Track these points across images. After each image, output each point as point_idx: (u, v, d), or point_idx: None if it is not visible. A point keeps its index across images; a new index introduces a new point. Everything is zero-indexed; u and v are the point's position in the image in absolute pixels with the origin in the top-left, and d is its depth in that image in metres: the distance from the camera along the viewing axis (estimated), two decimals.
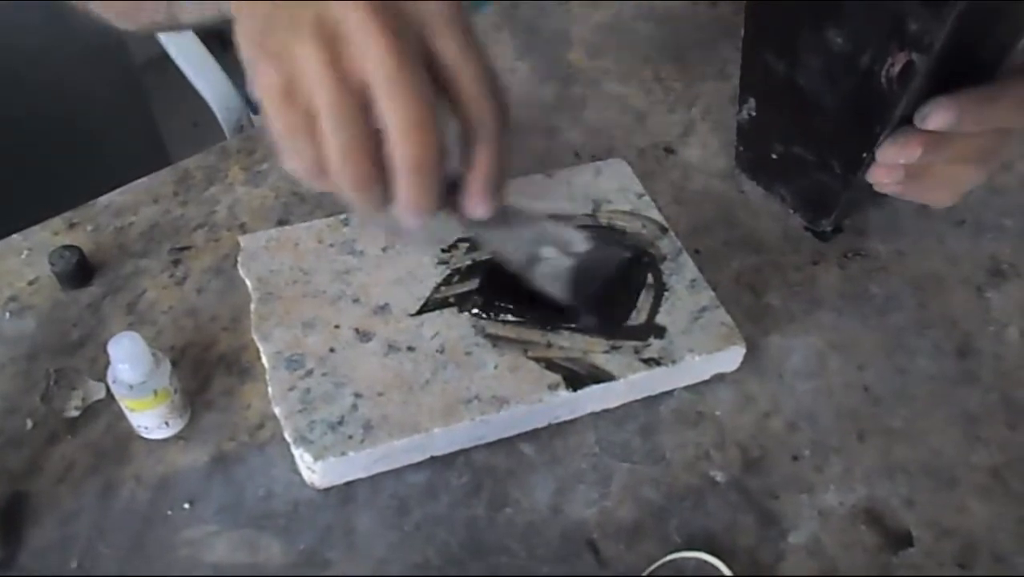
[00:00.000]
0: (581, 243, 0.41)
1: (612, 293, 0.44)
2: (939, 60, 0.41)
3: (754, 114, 0.55)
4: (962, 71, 0.43)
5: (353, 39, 0.32)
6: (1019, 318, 0.53)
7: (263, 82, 0.33)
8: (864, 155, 0.47)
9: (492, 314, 0.45)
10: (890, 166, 0.46)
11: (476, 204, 0.36)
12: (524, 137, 0.60)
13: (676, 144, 0.60)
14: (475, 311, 0.45)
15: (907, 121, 0.44)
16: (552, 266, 0.40)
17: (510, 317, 0.45)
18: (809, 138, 0.51)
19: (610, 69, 0.66)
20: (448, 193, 0.35)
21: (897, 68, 0.42)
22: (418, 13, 0.33)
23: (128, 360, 0.39)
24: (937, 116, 0.42)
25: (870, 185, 0.50)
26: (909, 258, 0.55)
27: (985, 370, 0.50)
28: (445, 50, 0.33)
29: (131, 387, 0.40)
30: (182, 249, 0.52)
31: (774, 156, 0.55)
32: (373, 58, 0.31)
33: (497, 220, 0.37)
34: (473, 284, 0.46)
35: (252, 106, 1.15)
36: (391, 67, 0.31)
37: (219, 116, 1.09)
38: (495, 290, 0.46)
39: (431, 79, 0.32)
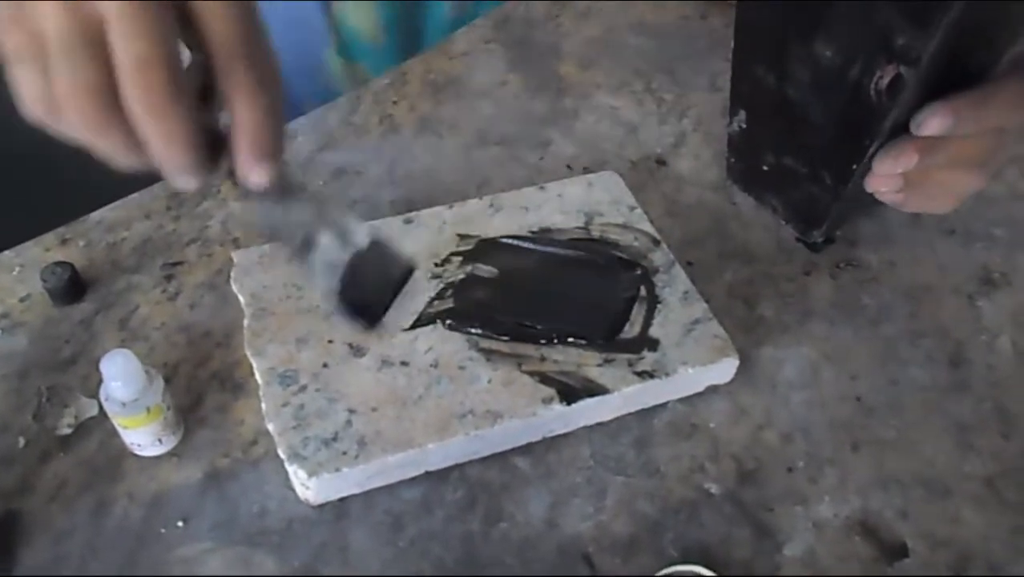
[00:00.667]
0: (362, 235, 0.38)
1: (381, 299, 0.40)
2: (928, 72, 0.42)
3: (744, 126, 0.56)
4: (953, 78, 0.43)
5: None
6: (1011, 327, 0.53)
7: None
8: (854, 167, 0.47)
9: (464, 328, 0.45)
10: (888, 175, 0.46)
11: (247, 168, 0.32)
12: (517, 150, 0.60)
13: (668, 156, 0.61)
14: (448, 322, 0.45)
15: (899, 131, 0.45)
16: (328, 255, 0.38)
17: (475, 330, 0.45)
18: (799, 150, 0.51)
19: (601, 82, 0.66)
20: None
21: (886, 81, 0.43)
22: None
23: (121, 377, 0.39)
24: (933, 121, 0.42)
25: (861, 196, 0.50)
26: (900, 268, 0.55)
27: (977, 380, 0.50)
28: None
29: (124, 405, 0.40)
30: (175, 264, 0.52)
31: (765, 168, 0.55)
32: None
33: (277, 194, 0.34)
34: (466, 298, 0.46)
35: None
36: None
37: None
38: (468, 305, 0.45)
39: (178, 24, 0.29)
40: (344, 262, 0.37)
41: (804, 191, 0.53)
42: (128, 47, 0.28)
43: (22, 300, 0.50)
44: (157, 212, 0.55)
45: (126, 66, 0.28)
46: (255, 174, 0.32)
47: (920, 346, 0.51)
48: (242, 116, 0.31)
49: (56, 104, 0.30)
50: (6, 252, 0.52)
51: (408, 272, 0.40)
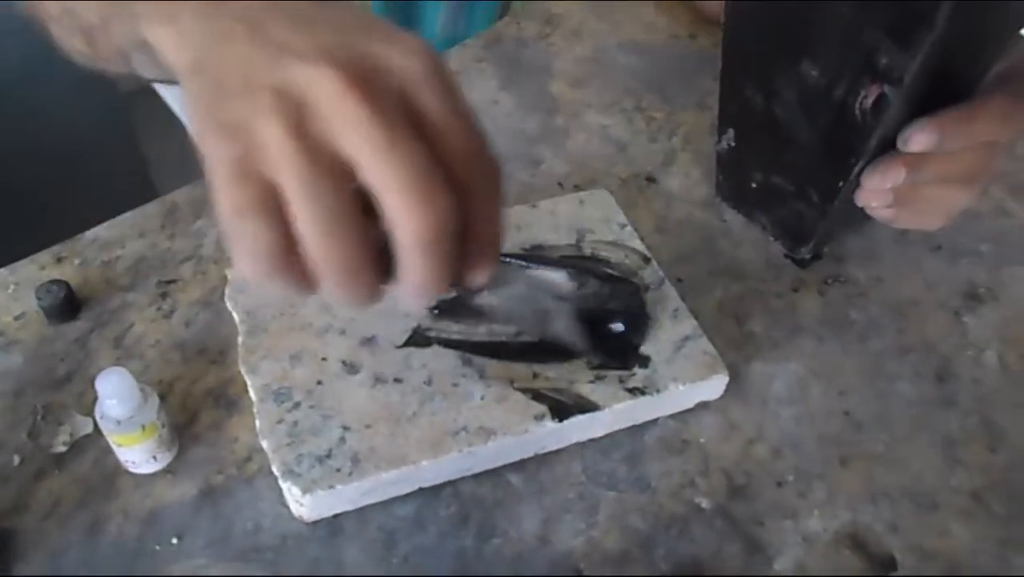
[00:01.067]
0: (565, 282, 0.41)
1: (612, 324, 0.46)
2: (911, 90, 0.43)
3: (733, 144, 0.56)
4: (938, 95, 0.44)
5: (324, 109, 0.28)
6: (996, 342, 0.54)
7: (213, 156, 0.29)
8: (840, 184, 0.48)
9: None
10: (877, 190, 0.46)
11: (480, 271, 0.33)
12: (509, 168, 0.60)
13: (658, 173, 0.61)
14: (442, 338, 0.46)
15: (887, 148, 0.45)
16: (563, 316, 0.42)
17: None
18: (787, 168, 0.52)
19: (592, 100, 0.67)
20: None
21: (870, 100, 0.44)
22: (397, 75, 0.29)
23: (116, 396, 0.39)
24: (919, 137, 0.43)
25: (848, 213, 0.51)
26: (887, 284, 0.56)
27: (964, 394, 0.51)
28: (430, 110, 0.30)
29: (119, 423, 0.40)
30: (169, 282, 0.52)
31: (754, 185, 0.56)
32: (354, 129, 0.28)
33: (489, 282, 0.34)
34: (459, 318, 0.47)
35: None
36: (379, 137, 0.28)
37: None
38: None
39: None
40: (575, 315, 0.42)
41: (792, 209, 0.54)
42: (397, 182, 0.28)
43: (17, 318, 0.50)
44: (152, 231, 0.55)
45: (400, 201, 0.28)
46: (484, 276, 0.33)
47: (907, 361, 0.52)
48: (484, 224, 0.32)
49: (292, 252, 0.29)
50: (0, 270, 0.53)
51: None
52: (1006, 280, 0.57)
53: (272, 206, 0.28)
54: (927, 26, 0.38)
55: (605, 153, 0.62)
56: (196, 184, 0.58)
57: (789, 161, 0.51)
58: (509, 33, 0.73)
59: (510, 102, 0.66)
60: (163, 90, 0.76)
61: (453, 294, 0.40)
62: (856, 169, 0.46)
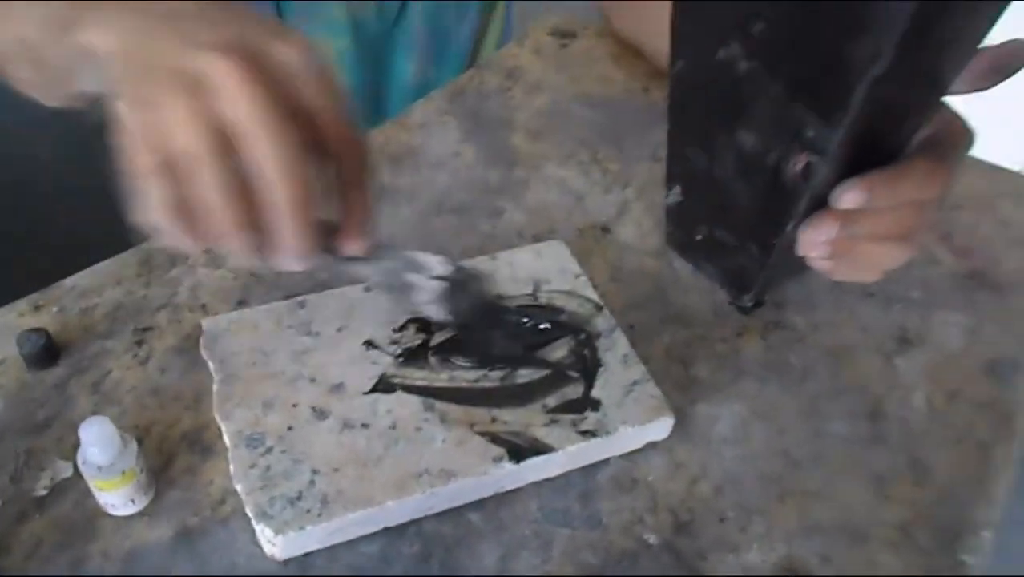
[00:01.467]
0: (440, 266, 0.47)
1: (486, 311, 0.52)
2: (837, 158, 0.47)
3: (679, 199, 0.60)
4: (867, 157, 0.48)
5: (220, 88, 0.34)
6: (924, 383, 0.58)
7: (127, 125, 0.35)
8: (776, 241, 0.52)
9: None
10: (813, 243, 0.51)
11: (353, 242, 0.41)
12: (472, 219, 0.64)
13: (612, 224, 0.65)
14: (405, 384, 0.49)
15: (821, 204, 0.49)
16: (426, 290, 0.47)
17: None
18: (728, 224, 0.56)
19: (550, 153, 0.70)
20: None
21: (799, 167, 0.48)
22: (282, 65, 0.36)
23: (98, 443, 0.42)
24: (849, 196, 0.47)
25: (787, 264, 0.55)
26: (824, 329, 0.60)
27: (893, 432, 0.55)
28: (306, 94, 0.37)
29: (100, 468, 0.42)
30: (145, 330, 0.54)
31: (699, 237, 0.60)
32: (243, 105, 0.34)
33: (367, 256, 0.42)
34: (422, 365, 0.50)
35: None
36: (261, 113, 0.34)
37: None
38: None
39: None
40: (441, 290, 0.47)
41: (734, 260, 0.57)
42: (271, 154, 0.34)
43: None
44: (128, 279, 0.57)
45: (273, 171, 0.34)
46: (358, 247, 0.41)
47: (842, 402, 0.56)
48: (356, 200, 0.40)
49: (190, 212, 0.35)
50: None
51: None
52: (935, 325, 0.62)
53: (169, 169, 0.34)
54: (844, 107, 0.42)
55: (563, 204, 0.66)
56: None
57: (730, 217, 0.55)
58: (472, 86, 0.77)
59: (472, 154, 0.70)
60: None
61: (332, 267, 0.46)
62: (789, 227, 0.50)
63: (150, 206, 0.35)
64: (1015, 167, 0.79)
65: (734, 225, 0.56)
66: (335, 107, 0.37)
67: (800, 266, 0.58)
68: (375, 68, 1.00)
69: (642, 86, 0.79)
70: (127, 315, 0.55)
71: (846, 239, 0.50)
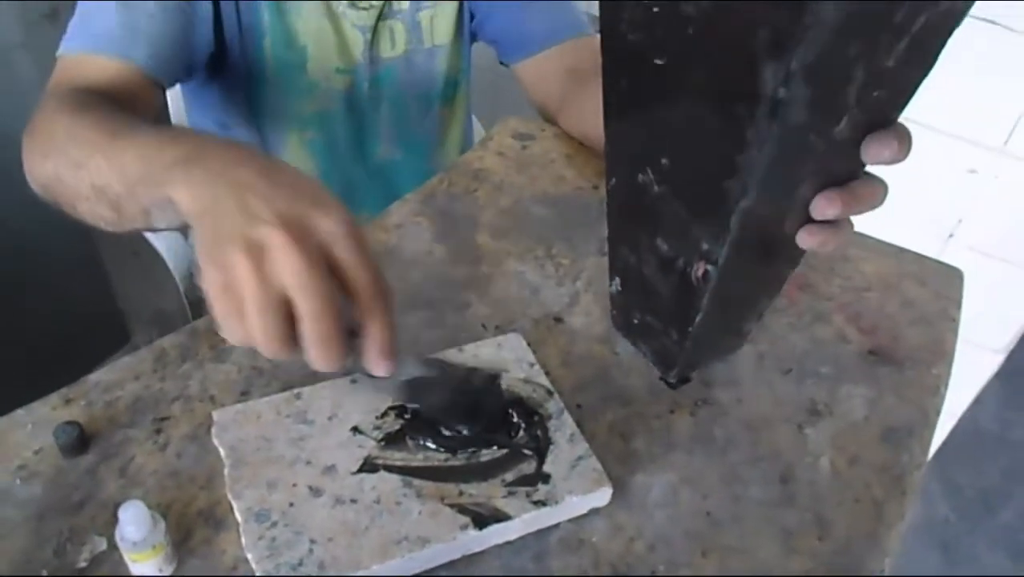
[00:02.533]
0: (416, 368, 0.61)
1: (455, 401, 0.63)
2: (730, 264, 0.57)
3: (619, 289, 0.71)
4: (765, 255, 0.59)
5: (274, 253, 0.47)
6: (830, 449, 0.68)
7: (208, 279, 0.48)
8: (689, 329, 0.63)
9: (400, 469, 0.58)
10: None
11: (375, 365, 0.52)
12: (442, 312, 0.74)
13: (564, 313, 0.75)
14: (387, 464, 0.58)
15: (726, 302, 0.60)
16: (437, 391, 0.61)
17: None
18: (654, 312, 0.67)
19: (511, 249, 0.81)
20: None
21: (700, 272, 0.58)
22: (322, 231, 0.49)
23: (134, 523, 0.51)
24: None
25: (709, 347, 0.66)
26: (745, 403, 0.70)
27: (802, 494, 0.64)
28: (343, 258, 0.49)
29: (135, 544, 0.51)
30: (163, 419, 0.63)
31: (635, 321, 0.71)
32: (289, 268, 0.47)
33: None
34: (401, 448, 0.59)
35: None
36: (303, 275, 0.47)
37: (169, 264, 1.21)
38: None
39: (333, 278, 0.49)
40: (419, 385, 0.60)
41: (660, 342, 0.68)
42: (308, 305, 0.47)
43: (36, 453, 0.61)
44: (145, 373, 0.67)
45: (308, 317, 0.48)
46: (380, 368, 0.52)
47: (758, 468, 0.66)
48: (374, 333, 0.51)
49: (251, 338, 0.49)
50: (18, 411, 0.63)
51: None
52: (841, 397, 0.72)
53: (241, 312, 0.48)
54: (725, 230, 0.53)
55: (521, 297, 0.76)
56: (180, 331, 0.70)
57: (655, 307, 0.66)
58: (442, 189, 0.87)
59: (443, 252, 0.80)
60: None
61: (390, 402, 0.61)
62: (697, 320, 0.61)
63: (230, 336, 0.49)
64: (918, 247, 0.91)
65: (658, 313, 0.67)
66: (364, 264, 0.50)
67: (723, 350, 0.69)
68: (346, 154, 1.11)
69: (591, 184, 0.90)
70: (146, 406, 0.64)
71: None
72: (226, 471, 0.57)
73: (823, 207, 0.56)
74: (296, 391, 0.62)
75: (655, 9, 0.49)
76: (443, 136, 1.18)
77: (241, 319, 0.48)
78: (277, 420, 0.60)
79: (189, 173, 0.54)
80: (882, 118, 0.52)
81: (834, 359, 0.75)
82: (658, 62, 0.52)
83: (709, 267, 0.57)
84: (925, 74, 0.51)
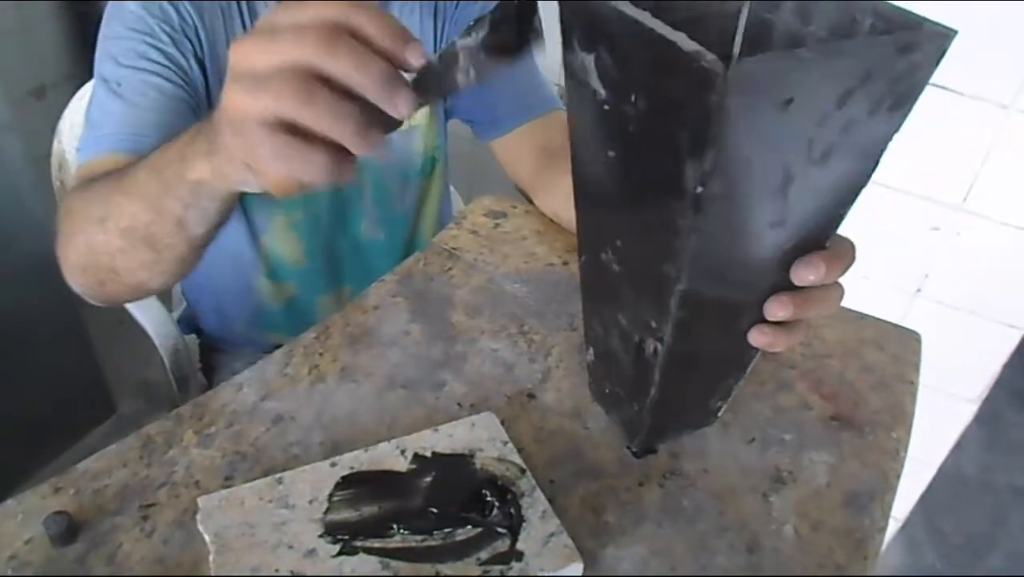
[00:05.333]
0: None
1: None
2: (677, 342, 0.60)
3: (593, 359, 0.74)
4: (714, 329, 0.63)
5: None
6: (794, 516, 0.70)
7: (247, 136, 0.51)
8: (647, 400, 0.66)
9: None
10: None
11: (404, 51, 0.50)
12: (419, 392, 0.77)
13: (536, 390, 0.78)
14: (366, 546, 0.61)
15: (682, 369, 0.63)
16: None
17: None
18: (620, 383, 0.70)
19: (485, 327, 0.84)
20: None
21: (651, 348, 0.62)
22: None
23: None
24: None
25: (673, 420, 0.69)
26: (712, 474, 0.73)
27: (767, 562, 0.67)
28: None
29: None
30: (149, 506, 0.66)
31: (607, 391, 0.74)
32: (307, 39, 0.48)
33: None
34: (376, 534, 0.62)
35: (184, 326, 1.30)
36: (326, 41, 0.48)
37: (154, 339, 1.24)
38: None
39: None
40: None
41: (626, 412, 0.71)
42: (351, 60, 0.48)
43: (26, 543, 0.63)
44: (132, 461, 0.69)
45: (355, 70, 0.48)
46: (413, 55, 0.50)
47: (725, 538, 0.68)
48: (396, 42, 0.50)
49: (327, 130, 0.49)
50: (9, 501, 0.66)
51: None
52: (804, 464, 0.75)
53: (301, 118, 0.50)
54: (667, 311, 0.57)
55: (495, 374, 0.79)
56: (166, 418, 0.73)
57: (620, 378, 0.70)
58: (418, 269, 0.91)
59: (419, 332, 0.83)
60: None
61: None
62: (652, 392, 0.64)
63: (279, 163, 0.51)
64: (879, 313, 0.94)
65: (623, 385, 0.70)
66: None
67: (691, 424, 0.73)
68: (330, 232, 1.15)
69: (562, 260, 0.94)
70: (133, 493, 0.66)
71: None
72: (211, 557, 0.59)
73: (774, 310, 0.60)
74: (278, 476, 0.65)
75: (605, 107, 0.54)
76: (421, 210, 1.22)
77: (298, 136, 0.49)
78: (260, 505, 0.63)
79: (196, 149, 0.59)
80: (826, 207, 0.56)
81: (797, 426, 0.78)
82: (610, 154, 0.56)
83: (658, 344, 0.61)
84: (861, 183, 0.55)
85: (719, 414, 0.76)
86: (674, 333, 0.59)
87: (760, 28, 0.62)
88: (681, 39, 0.45)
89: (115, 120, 0.86)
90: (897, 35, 0.48)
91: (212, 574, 0.59)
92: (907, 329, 0.93)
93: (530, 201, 1.07)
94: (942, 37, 0.49)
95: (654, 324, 0.60)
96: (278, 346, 1.22)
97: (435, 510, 0.63)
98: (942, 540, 2.09)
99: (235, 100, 0.51)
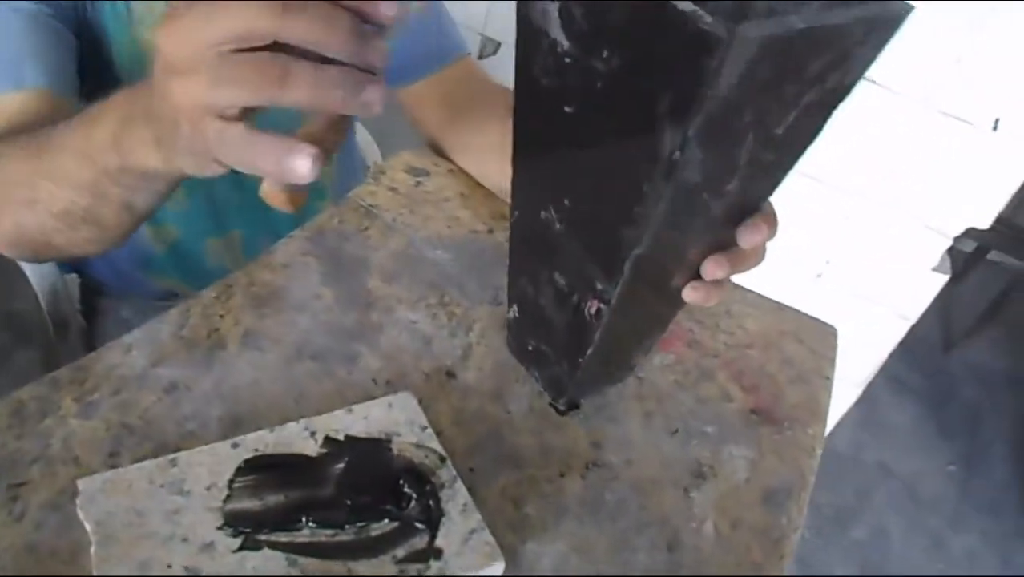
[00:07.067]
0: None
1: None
2: (622, 304, 0.58)
3: (516, 316, 0.71)
4: (659, 294, 0.61)
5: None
6: (714, 513, 0.69)
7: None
8: (580, 360, 0.63)
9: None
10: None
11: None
12: (330, 365, 0.71)
13: (456, 368, 0.74)
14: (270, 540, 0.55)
15: (618, 334, 0.61)
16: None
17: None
18: (548, 341, 0.68)
19: (403, 296, 0.79)
20: None
21: (593, 309, 0.59)
22: None
23: None
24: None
25: (599, 375, 0.67)
26: (635, 465, 0.71)
27: (687, 560, 0.65)
28: None
29: None
30: (19, 485, 0.58)
31: (529, 348, 0.71)
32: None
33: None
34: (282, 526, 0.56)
35: (64, 265, 1.19)
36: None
37: (32, 280, 1.13)
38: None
39: None
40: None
41: (552, 371, 0.69)
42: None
43: None
44: (0, 430, 0.61)
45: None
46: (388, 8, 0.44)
47: (646, 535, 0.66)
48: None
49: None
50: None
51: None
52: (724, 458, 0.73)
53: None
54: (619, 273, 0.54)
55: (413, 348, 0.74)
56: (40, 381, 0.64)
57: (549, 337, 0.67)
58: (332, 225, 0.84)
59: (331, 297, 0.77)
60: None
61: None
62: (588, 352, 0.62)
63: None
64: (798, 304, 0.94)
65: (552, 343, 0.68)
66: None
67: (612, 380, 0.71)
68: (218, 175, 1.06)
69: (487, 228, 0.89)
70: (1, 469, 0.59)
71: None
72: (93, 549, 0.53)
73: (712, 270, 0.60)
74: (171, 457, 0.58)
75: (567, 60, 0.50)
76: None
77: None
78: (150, 490, 0.56)
79: (138, 137, 0.52)
80: (769, 177, 0.56)
81: (718, 418, 0.77)
82: (567, 109, 0.52)
83: (602, 305, 0.58)
84: (812, 139, 0.54)
85: (635, 369, 0.77)
86: (621, 294, 0.57)
87: None
88: None
89: None
90: (872, 6, 0.46)
91: (93, 569, 0.52)
92: (824, 323, 0.93)
93: (436, 152, 1.01)
94: (900, 11, 0.48)
95: (599, 286, 0.57)
96: (171, 293, 1.14)
97: (348, 501, 0.58)
98: (815, 511, 2.18)
99: (186, 96, 0.44)
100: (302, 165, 0.44)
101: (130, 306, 1.16)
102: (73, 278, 1.19)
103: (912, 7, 0.48)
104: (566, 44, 0.50)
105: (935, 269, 1.46)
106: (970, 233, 1.46)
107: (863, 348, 1.64)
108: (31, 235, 0.67)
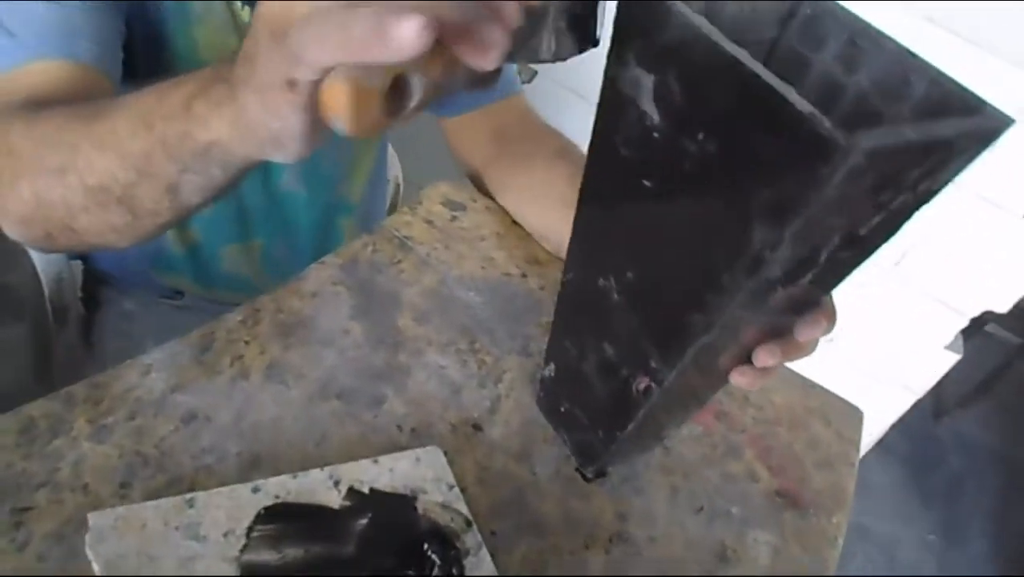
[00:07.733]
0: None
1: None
2: (674, 386, 0.56)
3: (552, 376, 0.69)
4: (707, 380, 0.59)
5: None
6: None
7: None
8: (618, 435, 0.61)
9: None
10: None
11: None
12: (355, 407, 0.68)
13: (483, 421, 0.71)
14: None
15: (665, 409, 0.59)
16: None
17: None
18: (584, 408, 0.66)
19: (432, 338, 0.76)
20: None
21: (642, 386, 0.57)
22: None
23: None
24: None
25: (631, 447, 0.65)
26: (659, 543, 0.68)
27: None
28: None
29: None
30: (24, 510, 0.55)
31: (562, 409, 0.69)
32: None
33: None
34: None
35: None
36: None
37: (38, 265, 1.09)
38: None
39: None
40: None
41: (585, 436, 0.67)
42: None
43: None
44: (6, 448, 0.57)
45: None
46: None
47: None
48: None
49: None
50: None
51: None
52: (748, 543, 0.71)
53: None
54: (680, 357, 0.52)
55: (440, 395, 0.71)
56: (54, 397, 0.61)
57: (587, 404, 0.65)
58: (365, 255, 0.81)
59: (360, 333, 0.74)
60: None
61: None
62: (629, 428, 0.59)
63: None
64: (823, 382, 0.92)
65: (589, 411, 0.65)
66: None
67: (642, 452, 0.69)
68: (244, 181, 1.03)
69: (521, 272, 0.86)
70: (5, 492, 0.55)
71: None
72: None
73: (764, 358, 0.58)
74: (189, 497, 0.55)
75: (655, 135, 0.47)
76: (353, 168, 1.12)
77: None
78: (165, 532, 0.53)
79: (210, 99, 0.48)
80: (840, 273, 0.54)
81: (743, 498, 0.74)
82: (646, 183, 0.50)
83: (653, 384, 0.56)
84: (888, 239, 0.52)
85: (664, 440, 0.75)
86: (676, 377, 0.54)
87: (792, 63, 0.57)
88: (790, 93, 0.39)
89: (37, 21, 0.72)
90: (976, 120, 0.45)
91: None
92: (850, 404, 0.90)
93: (476, 185, 0.98)
94: (1002, 125, 0.45)
95: (654, 364, 0.55)
96: (177, 291, 1.11)
97: (370, 562, 0.55)
98: None
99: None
100: (408, 27, 0.37)
101: (133, 299, 1.13)
102: (77, 264, 1.16)
103: (1013, 120, 0.46)
104: (656, 119, 0.47)
105: (947, 347, 1.44)
106: (987, 316, 1.45)
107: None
108: (51, 211, 0.62)
